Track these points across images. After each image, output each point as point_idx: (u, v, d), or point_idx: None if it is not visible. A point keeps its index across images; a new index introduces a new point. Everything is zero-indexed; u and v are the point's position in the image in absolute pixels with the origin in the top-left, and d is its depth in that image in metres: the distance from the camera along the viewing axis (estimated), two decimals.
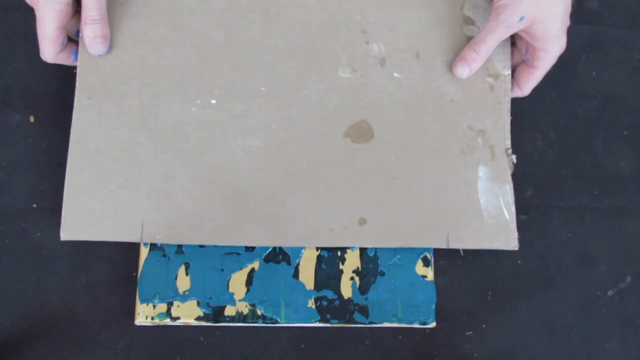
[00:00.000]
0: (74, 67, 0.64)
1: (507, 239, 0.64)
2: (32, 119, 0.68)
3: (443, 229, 0.63)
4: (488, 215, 0.64)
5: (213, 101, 0.64)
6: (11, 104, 0.68)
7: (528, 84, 0.66)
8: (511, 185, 0.64)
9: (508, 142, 0.65)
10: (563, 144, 0.72)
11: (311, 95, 0.65)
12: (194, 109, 0.63)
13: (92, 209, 0.61)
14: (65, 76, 0.69)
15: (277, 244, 0.63)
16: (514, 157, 0.65)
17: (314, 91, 0.65)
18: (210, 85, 0.64)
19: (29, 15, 0.70)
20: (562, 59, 0.74)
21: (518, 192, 0.71)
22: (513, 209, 0.64)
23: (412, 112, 0.65)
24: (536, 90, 0.73)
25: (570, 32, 0.75)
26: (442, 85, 0.65)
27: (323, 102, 0.65)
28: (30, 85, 0.69)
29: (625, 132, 0.73)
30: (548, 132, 0.72)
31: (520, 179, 0.71)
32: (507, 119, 0.65)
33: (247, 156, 0.63)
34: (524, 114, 0.72)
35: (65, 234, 0.61)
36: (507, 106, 0.66)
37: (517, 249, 0.64)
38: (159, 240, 0.62)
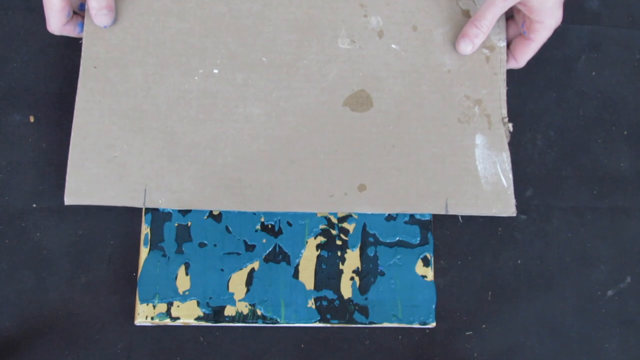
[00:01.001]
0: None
1: (505, 206, 0.65)
2: (32, 119, 0.68)
3: (441, 195, 0.65)
4: (486, 182, 0.65)
5: (215, 71, 0.65)
6: (11, 104, 0.68)
7: (524, 55, 0.67)
8: (508, 153, 0.66)
9: (504, 111, 0.67)
10: (563, 144, 0.72)
11: (311, 66, 0.66)
12: (196, 78, 0.65)
13: (96, 174, 0.63)
14: (65, 76, 0.69)
15: (278, 209, 0.64)
16: (510, 125, 0.66)
17: (313, 62, 0.66)
18: (212, 56, 0.66)
19: (29, 15, 0.70)
20: (562, 59, 0.74)
21: (518, 192, 0.71)
22: (510, 175, 0.65)
23: (410, 83, 0.67)
24: (536, 90, 0.73)
25: (570, 32, 0.75)
26: (439, 57, 0.67)
27: (322, 73, 0.66)
28: (30, 85, 0.69)
29: (625, 132, 0.73)
30: (548, 132, 0.72)
31: (520, 179, 0.71)
32: (503, 89, 0.67)
33: (249, 124, 0.65)
34: (524, 114, 0.72)
35: (69, 199, 0.62)
36: (503, 77, 0.67)
37: (514, 215, 0.65)
38: (162, 205, 0.63)
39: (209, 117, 0.64)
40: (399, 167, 0.65)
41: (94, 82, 0.64)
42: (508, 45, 0.68)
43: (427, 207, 0.64)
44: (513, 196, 0.65)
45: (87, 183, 0.62)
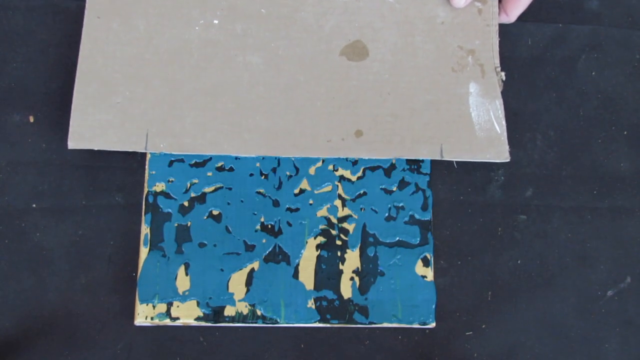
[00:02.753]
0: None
1: (499, 151, 0.67)
2: (32, 119, 0.68)
3: (436, 141, 0.66)
4: (480, 128, 0.67)
5: (215, 21, 0.67)
6: (11, 104, 0.68)
7: (514, 10, 0.70)
8: (501, 101, 0.68)
9: (497, 61, 0.69)
10: (563, 144, 0.72)
11: (308, 17, 0.68)
12: (197, 28, 0.67)
13: (99, 119, 0.64)
14: (65, 76, 0.69)
15: (277, 154, 0.65)
16: (502, 74, 0.68)
17: (311, 13, 0.68)
18: (212, 7, 0.68)
19: (29, 15, 0.70)
20: (562, 59, 0.74)
21: (518, 192, 0.71)
22: (503, 122, 0.67)
23: (405, 34, 0.69)
24: (536, 90, 0.73)
25: (570, 32, 0.75)
26: (432, 9, 0.70)
27: (320, 24, 0.68)
28: (30, 85, 0.69)
29: (625, 132, 0.73)
30: (548, 132, 0.72)
31: (520, 179, 0.71)
32: (495, 40, 0.69)
33: (248, 72, 0.67)
34: (524, 114, 0.72)
35: (73, 143, 0.64)
36: (495, 28, 0.70)
37: (508, 160, 0.67)
38: (163, 149, 0.64)
39: (210, 65, 0.66)
40: (394, 113, 0.67)
41: (97, 32, 0.66)
42: (500, 0, 0.71)
43: (422, 153, 0.66)
44: (506, 142, 0.67)
45: (90, 128, 0.64)
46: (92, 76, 0.65)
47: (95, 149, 0.64)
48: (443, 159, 0.66)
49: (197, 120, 0.65)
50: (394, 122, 0.66)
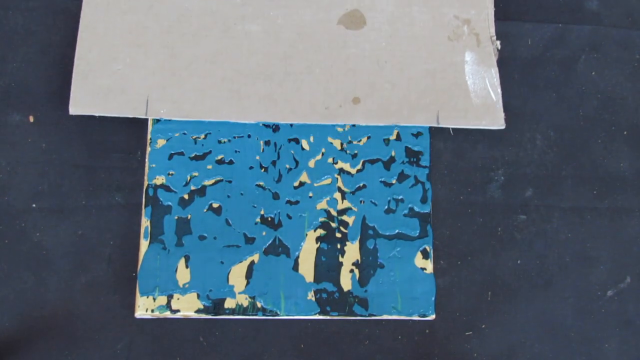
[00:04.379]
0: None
1: (494, 118, 0.68)
2: (32, 119, 0.68)
3: (433, 108, 0.67)
4: (475, 95, 0.68)
5: None
6: (11, 104, 0.69)
7: None
8: (496, 69, 0.69)
9: (492, 30, 0.70)
10: (563, 144, 0.72)
11: None
12: None
13: (100, 85, 0.65)
14: (65, 76, 0.69)
15: (275, 120, 0.66)
16: (498, 43, 0.70)
17: None
18: None
19: (29, 15, 0.70)
20: (562, 59, 0.74)
21: (518, 192, 0.71)
22: (499, 90, 0.68)
23: (401, 4, 0.70)
24: (536, 90, 0.73)
25: (570, 32, 0.75)
26: None
27: None
28: (30, 85, 0.69)
29: (625, 132, 0.73)
30: (548, 132, 0.72)
31: (520, 179, 0.71)
32: (490, 10, 0.71)
33: (247, 40, 0.68)
34: (524, 114, 0.72)
35: (74, 109, 0.65)
36: None
37: (503, 127, 0.68)
38: (163, 115, 0.65)
39: (209, 33, 0.68)
40: (391, 81, 0.68)
41: (98, 0, 0.67)
42: None
43: (419, 119, 0.67)
44: (502, 109, 0.68)
45: (91, 94, 0.65)
46: (92, 43, 0.66)
47: (96, 114, 0.65)
48: (439, 125, 0.67)
49: (197, 86, 0.66)
50: (390, 89, 0.68)
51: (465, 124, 0.68)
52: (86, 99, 0.65)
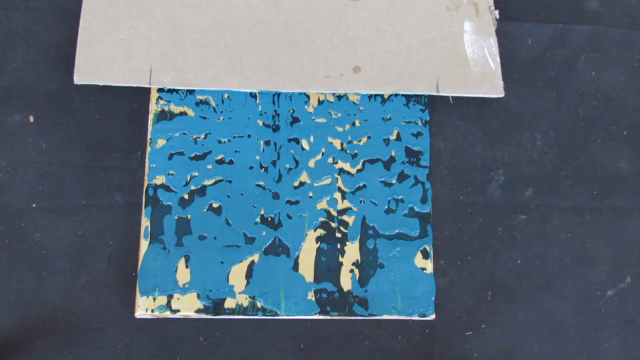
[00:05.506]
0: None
1: (493, 86, 0.69)
2: (32, 119, 0.68)
3: (432, 76, 0.68)
4: (474, 64, 0.69)
5: None
6: (11, 104, 0.69)
7: None
8: (495, 38, 0.70)
9: (491, 1, 0.70)
10: (563, 144, 0.72)
11: None
12: None
13: (104, 55, 0.66)
14: (65, 76, 0.69)
15: (277, 89, 0.67)
16: (496, 12, 0.70)
17: None
18: None
19: (29, 15, 0.70)
20: (562, 59, 0.74)
21: (518, 192, 0.71)
22: (498, 59, 0.69)
23: None
24: (536, 90, 0.73)
25: (570, 32, 0.75)
26: None
27: None
28: (30, 85, 0.69)
29: (625, 132, 0.73)
30: (548, 132, 0.72)
31: (520, 179, 0.71)
32: None
33: (249, 10, 0.69)
34: (524, 114, 0.72)
35: (79, 78, 0.66)
36: None
37: (502, 95, 0.69)
38: (167, 84, 0.66)
39: (211, 3, 0.69)
40: (391, 50, 0.69)
41: None
42: None
43: (419, 88, 0.68)
44: (500, 78, 0.69)
45: (95, 64, 0.66)
46: (96, 14, 0.67)
47: (100, 84, 0.66)
48: (439, 93, 0.68)
49: (200, 56, 0.67)
50: (390, 58, 0.68)
51: (464, 92, 0.68)
52: (90, 68, 0.66)
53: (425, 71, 0.68)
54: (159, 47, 0.67)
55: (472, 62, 0.69)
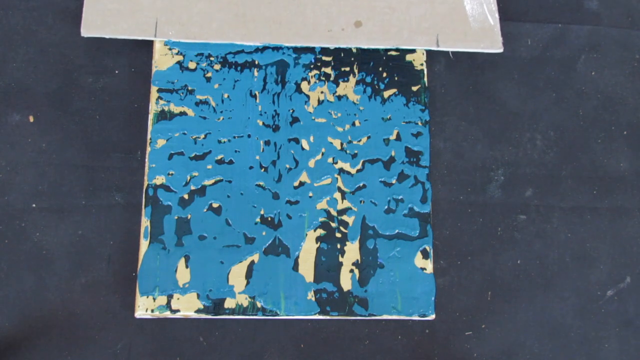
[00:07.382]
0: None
1: (492, 42, 0.70)
2: (32, 119, 0.68)
3: (432, 31, 0.70)
4: (474, 20, 0.70)
5: None
6: (11, 104, 0.69)
7: None
8: None
9: None
10: (563, 144, 0.72)
11: None
12: None
13: (110, 9, 0.67)
14: (65, 76, 0.69)
15: (280, 42, 0.68)
16: None
17: None
18: None
19: (29, 15, 0.70)
20: (562, 59, 0.74)
21: (518, 192, 0.71)
22: (496, 15, 0.71)
23: None
24: (536, 90, 0.73)
25: (570, 32, 0.75)
26: None
27: None
28: (30, 85, 0.69)
29: (625, 132, 0.73)
30: (548, 132, 0.72)
31: (520, 179, 0.71)
32: None
33: None
34: (524, 114, 0.72)
35: (86, 30, 0.67)
36: None
37: (501, 50, 0.70)
38: (172, 36, 0.67)
39: None
40: (391, 6, 0.70)
41: None
42: None
43: (419, 42, 0.69)
44: (499, 33, 0.70)
45: (101, 16, 0.67)
46: None
47: (107, 36, 0.67)
48: (439, 48, 0.69)
49: (204, 10, 0.68)
50: (391, 13, 0.70)
51: (464, 46, 0.69)
52: (97, 21, 0.67)
53: (426, 26, 0.70)
54: (164, 0, 0.68)
55: (471, 17, 0.70)
